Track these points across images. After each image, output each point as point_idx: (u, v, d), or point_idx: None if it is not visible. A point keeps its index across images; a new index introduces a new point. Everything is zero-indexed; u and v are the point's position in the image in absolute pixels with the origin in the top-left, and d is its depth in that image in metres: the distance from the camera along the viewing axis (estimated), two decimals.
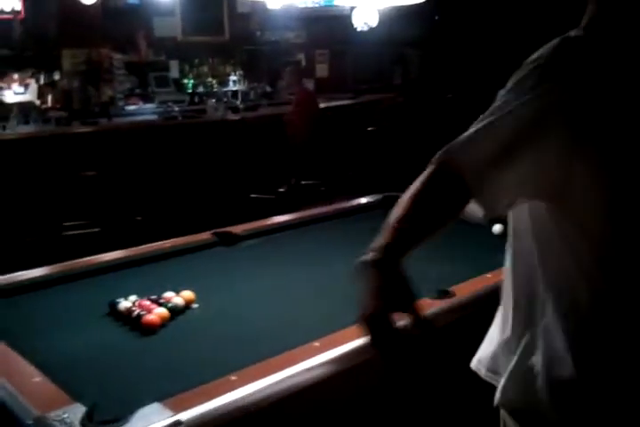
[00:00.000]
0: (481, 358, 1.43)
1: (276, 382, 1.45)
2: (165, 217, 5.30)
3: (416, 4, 6.69)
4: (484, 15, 8.43)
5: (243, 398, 1.39)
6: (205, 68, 7.90)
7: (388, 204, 3.28)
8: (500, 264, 2.19)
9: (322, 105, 6.99)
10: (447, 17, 8.99)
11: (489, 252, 2.52)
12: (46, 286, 2.18)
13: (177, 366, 1.61)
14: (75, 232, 5.05)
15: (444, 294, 1.94)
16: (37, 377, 1.49)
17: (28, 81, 6.49)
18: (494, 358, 1.37)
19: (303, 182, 6.43)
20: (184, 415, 1.30)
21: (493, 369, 1.37)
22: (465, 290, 1.99)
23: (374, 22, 7.87)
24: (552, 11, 7.75)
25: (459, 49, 8.77)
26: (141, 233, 3.89)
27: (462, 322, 1.93)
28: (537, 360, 1.23)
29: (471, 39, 8.62)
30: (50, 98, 6.58)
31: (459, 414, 2.04)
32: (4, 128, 5.51)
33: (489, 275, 2.12)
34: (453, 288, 1.99)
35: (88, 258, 2.43)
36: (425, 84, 9.23)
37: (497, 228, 2.72)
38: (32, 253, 4.17)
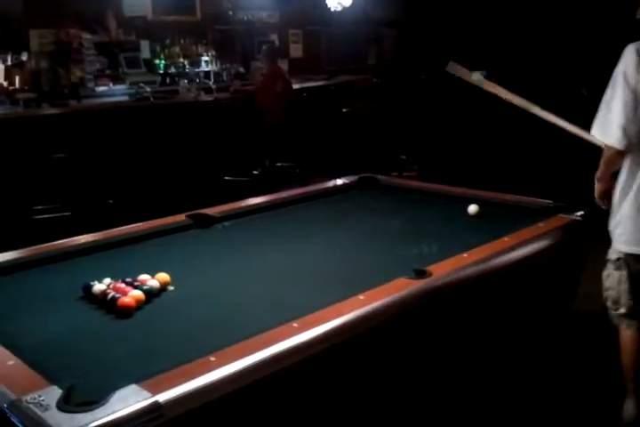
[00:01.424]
0: None
1: (255, 364, 1.45)
2: (138, 200, 5.24)
3: None
4: None
5: (222, 378, 1.39)
6: (177, 49, 7.77)
7: (364, 185, 3.30)
8: (476, 244, 2.23)
9: (296, 86, 6.92)
10: None
11: (464, 232, 2.54)
12: (19, 270, 2.15)
13: (154, 349, 1.60)
14: (45, 216, 4.97)
15: (420, 273, 1.95)
16: (12, 360, 1.47)
17: None
18: None
19: (278, 164, 6.40)
20: (162, 396, 1.29)
21: None
22: (442, 270, 2.00)
23: (348, 2, 7.82)
24: None
25: (434, 29, 8.75)
26: (114, 216, 3.83)
27: (439, 301, 1.94)
28: None
29: (446, 19, 8.59)
30: (18, 79, 6.43)
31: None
32: None
33: (465, 255, 2.14)
34: (430, 268, 1.99)
35: (60, 241, 2.39)
36: (400, 64, 9.20)
37: (472, 208, 2.74)
38: (2, 238, 4.10)
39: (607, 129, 2.30)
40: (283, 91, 6.35)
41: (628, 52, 2.23)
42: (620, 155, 2.33)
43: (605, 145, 2.36)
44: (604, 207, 2.51)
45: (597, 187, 2.50)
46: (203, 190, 5.30)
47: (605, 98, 2.31)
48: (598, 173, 2.48)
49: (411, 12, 9.03)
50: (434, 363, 2.02)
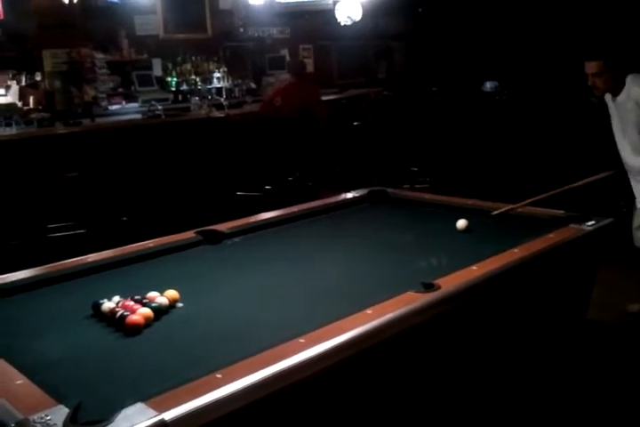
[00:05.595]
0: None
1: (262, 380, 1.44)
2: (151, 217, 5.27)
3: None
4: (468, 7, 8.44)
5: (228, 396, 1.38)
6: (188, 66, 7.85)
7: (374, 198, 3.29)
8: (485, 256, 2.22)
9: None
10: (431, 9, 8.99)
11: (474, 244, 2.53)
12: (30, 289, 2.16)
13: (161, 366, 1.60)
14: (60, 234, 5.01)
15: (429, 287, 1.94)
16: (20, 380, 1.47)
17: (9, 82, 6.42)
18: None
19: (289, 178, 6.41)
20: (168, 415, 1.29)
21: None
22: (450, 283, 1.99)
23: (358, 16, 7.85)
24: (532, 3, 7.77)
25: (443, 42, 8.77)
26: (127, 233, 3.86)
27: (448, 314, 1.93)
28: None
29: (455, 31, 8.62)
30: (31, 99, 6.52)
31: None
32: None
33: (474, 267, 2.12)
34: (439, 281, 1.98)
35: (70, 260, 2.40)
36: (410, 77, 9.23)
37: (460, 223, 2.71)
38: (17, 256, 4.13)
39: None
40: (299, 104, 6.34)
41: None
42: None
43: None
44: None
45: None
46: (215, 206, 5.31)
47: None
48: None
49: (420, 24, 9.07)
50: (443, 376, 2.00)
